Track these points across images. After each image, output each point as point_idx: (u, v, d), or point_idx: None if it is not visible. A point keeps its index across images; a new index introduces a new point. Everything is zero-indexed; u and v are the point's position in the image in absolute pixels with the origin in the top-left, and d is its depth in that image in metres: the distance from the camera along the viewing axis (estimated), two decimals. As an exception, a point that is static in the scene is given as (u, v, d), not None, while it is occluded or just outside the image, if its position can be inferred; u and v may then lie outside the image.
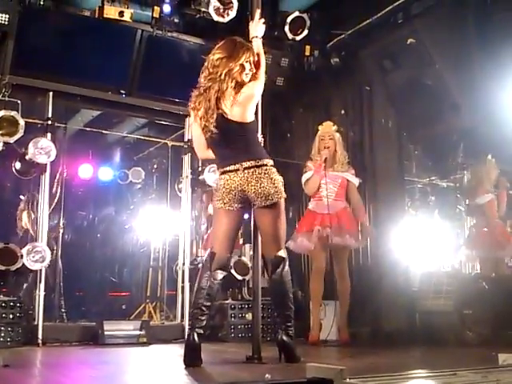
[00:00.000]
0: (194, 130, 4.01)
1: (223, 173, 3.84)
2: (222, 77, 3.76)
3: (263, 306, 4.33)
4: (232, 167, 3.78)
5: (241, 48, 3.82)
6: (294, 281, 4.09)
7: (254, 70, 3.89)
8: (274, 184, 3.76)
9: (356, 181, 5.74)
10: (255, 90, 3.86)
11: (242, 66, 3.80)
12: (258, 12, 4.16)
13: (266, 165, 3.78)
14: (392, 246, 6.28)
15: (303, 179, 5.69)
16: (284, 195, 3.84)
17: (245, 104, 3.79)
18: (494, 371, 2.99)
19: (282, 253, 3.88)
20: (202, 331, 3.71)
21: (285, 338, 3.79)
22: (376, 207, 6.56)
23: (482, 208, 6.59)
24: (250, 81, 3.86)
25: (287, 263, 3.91)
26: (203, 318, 3.72)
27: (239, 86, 3.81)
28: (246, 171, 3.74)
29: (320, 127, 5.81)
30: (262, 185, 3.73)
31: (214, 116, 3.76)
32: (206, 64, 3.87)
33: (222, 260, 3.83)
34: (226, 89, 3.76)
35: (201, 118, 3.82)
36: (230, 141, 3.82)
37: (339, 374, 2.55)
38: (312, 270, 5.70)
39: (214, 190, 3.98)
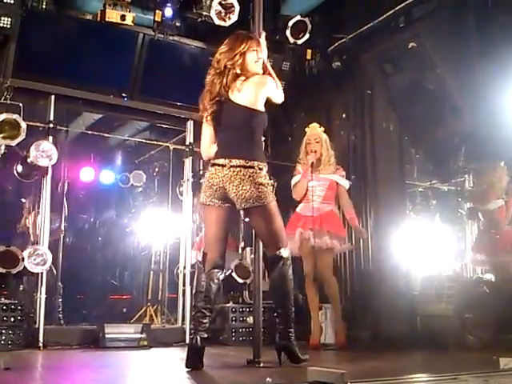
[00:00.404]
0: (203, 129, 3.98)
1: (212, 165, 3.81)
2: (222, 68, 3.78)
3: (264, 310, 4.32)
4: (221, 161, 3.73)
5: (241, 38, 3.85)
6: (295, 283, 4.07)
7: (262, 57, 3.89)
8: (257, 188, 3.68)
9: (346, 183, 5.70)
10: (268, 81, 3.84)
11: (243, 54, 3.79)
12: (263, 35, 4.10)
13: (254, 167, 3.70)
14: (393, 250, 6.27)
15: (292, 182, 5.69)
16: (270, 199, 3.74)
17: (254, 91, 3.76)
18: (495, 375, 3.00)
19: (282, 252, 3.81)
20: (205, 335, 3.70)
21: (283, 341, 3.76)
22: (377, 211, 6.56)
23: (492, 213, 6.63)
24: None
25: (288, 263, 3.83)
26: (205, 320, 3.72)
27: (246, 73, 3.79)
28: (231, 169, 3.69)
29: (307, 129, 5.77)
30: (244, 187, 3.67)
31: (220, 101, 3.77)
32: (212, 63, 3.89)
33: (213, 259, 3.79)
34: (230, 77, 3.76)
35: (204, 101, 3.83)
36: (233, 125, 3.79)
37: (340, 378, 2.55)
38: (305, 275, 5.67)
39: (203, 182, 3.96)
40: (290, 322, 3.81)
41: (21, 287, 5.75)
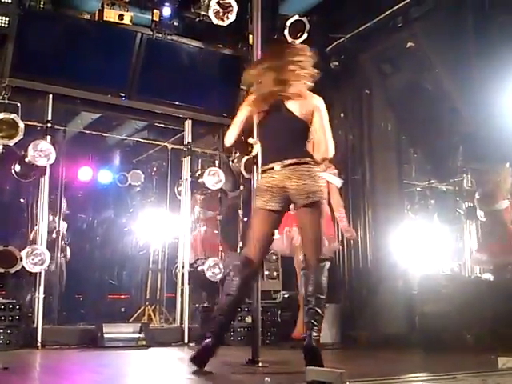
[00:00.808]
0: (241, 114, 3.88)
1: (264, 171, 3.75)
2: (285, 62, 3.74)
3: (263, 309, 4.32)
4: (272, 165, 3.69)
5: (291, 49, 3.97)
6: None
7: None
8: (316, 182, 3.64)
9: (337, 181, 5.66)
10: (323, 104, 3.80)
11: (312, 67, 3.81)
12: None
13: (308, 163, 3.66)
14: (391, 249, 6.28)
15: None
16: (325, 197, 3.70)
17: (312, 105, 3.74)
18: (493, 375, 3.00)
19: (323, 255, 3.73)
20: (223, 337, 3.68)
21: (314, 343, 3.52)
22: (375, 210, 6.57)
23: (499, 213, 6.65)
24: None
25: (327, 263, 3.74)
26: (228, 325, 3.68)
27: (300, 87, 3.77)
28: (287, 168, 3.64)
29: None
30: (304, 182, 3.61)
31: (273, 105, 3.73)
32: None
33: (252, 264, 3.69)
34: (292, 77, 3.72)
35: (255, 99, 3.79)
36: (284, 132, 3.75)
37: (339, 378, 2.55)
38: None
39: (256, 189, 3.88)
40: (321, 321, 3.65)
41: (20, 287, 5.75)
